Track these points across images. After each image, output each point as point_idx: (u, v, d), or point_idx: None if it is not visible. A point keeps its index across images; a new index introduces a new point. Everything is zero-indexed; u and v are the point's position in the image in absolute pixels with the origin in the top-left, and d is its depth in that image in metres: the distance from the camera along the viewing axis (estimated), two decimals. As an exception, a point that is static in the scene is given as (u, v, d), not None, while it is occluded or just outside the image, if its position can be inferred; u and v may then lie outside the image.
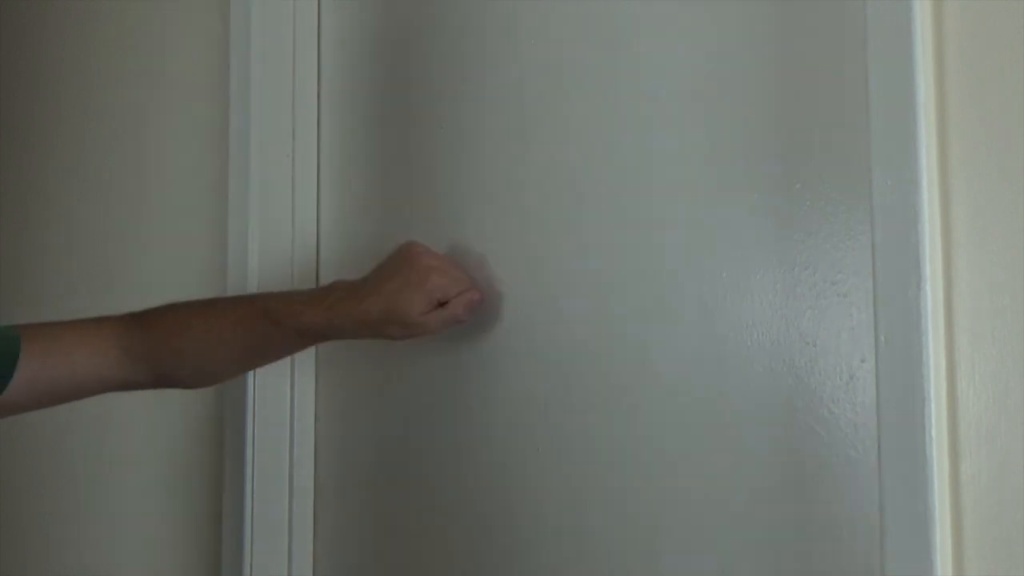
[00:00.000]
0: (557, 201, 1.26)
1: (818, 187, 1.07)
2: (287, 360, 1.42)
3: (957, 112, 0.95)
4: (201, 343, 1.24)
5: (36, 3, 1.88)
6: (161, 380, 1.26)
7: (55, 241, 1.79)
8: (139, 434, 1.62)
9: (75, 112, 1.80)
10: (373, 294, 1.22)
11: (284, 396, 1.46)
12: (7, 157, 1.89)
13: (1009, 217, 0.92)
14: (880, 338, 0.95)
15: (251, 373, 1.43)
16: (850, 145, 1.03)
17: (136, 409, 1.57)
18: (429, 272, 1.22)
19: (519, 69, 1.31)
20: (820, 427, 1.06)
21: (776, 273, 1.09)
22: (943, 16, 0.96)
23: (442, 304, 1.23)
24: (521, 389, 1.27)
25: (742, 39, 1.13)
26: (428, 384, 1.37)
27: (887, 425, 0.95)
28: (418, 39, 1.42)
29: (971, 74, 0.95)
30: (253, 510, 1.44)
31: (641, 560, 1.16)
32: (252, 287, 1.44)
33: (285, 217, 1.47)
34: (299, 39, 1.50)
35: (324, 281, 1.46)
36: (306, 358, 1.45)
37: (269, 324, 1.24)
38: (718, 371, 1.12)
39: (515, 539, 1.27)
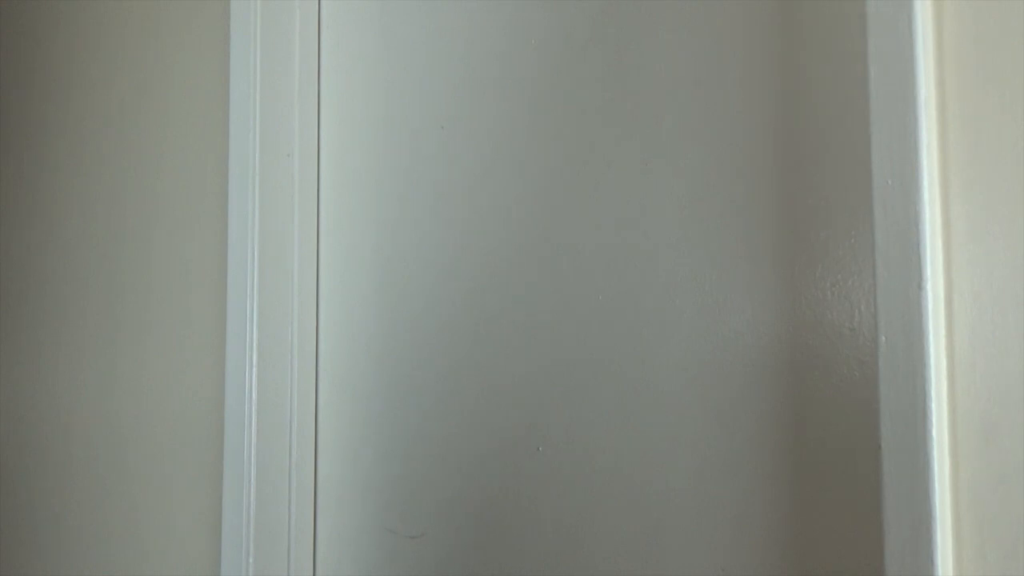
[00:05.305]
0: (559, 202, 1.26)
1: (818, 187, 1.07)
2: (287, 359, 1.42)
3: (957, 112, 0.95)
4: None
5: (37, 4, 1.88)
6: None
7: (56, 241, 1.79)
8: (139, 434, 1.62)
9: (75, 112, 1.80)
10: None
11: (284, 396, 1.46)
12: (8, 157, 1.89)
13: (1009, 217, 0.92)
14: (880, 338, 0.95)
15: (250, 372, 1.43)
16: (850, 146, 1.03)
17: (136, 409, 1.57)
18: None
19: (519, 70, 1.31)
20: (820, 427, 1.06)
21: (776, 274, 1.09)
22: (943, 16, 0.96)
23: None
24: (522, 389, 1.27)
25: (742, 38, 1.13)
26: (428, 384, 1.37)
27: (887, 425, 0.95)
28: (418, 39, 1.42)
29: (971, 74, 0.95)
30: (253, 510, 1.44)
31: (642, 559, 1.16)
32: (253, 287, 1.44)
33: (285, 217, 1.47)
34: (300, 39, 1.50)
35: (325, 281, 1.46)
36: (307, 358, 1.45)
37: None
38: (718, 372, 1.12)
39: (515, 538, 1.27)
